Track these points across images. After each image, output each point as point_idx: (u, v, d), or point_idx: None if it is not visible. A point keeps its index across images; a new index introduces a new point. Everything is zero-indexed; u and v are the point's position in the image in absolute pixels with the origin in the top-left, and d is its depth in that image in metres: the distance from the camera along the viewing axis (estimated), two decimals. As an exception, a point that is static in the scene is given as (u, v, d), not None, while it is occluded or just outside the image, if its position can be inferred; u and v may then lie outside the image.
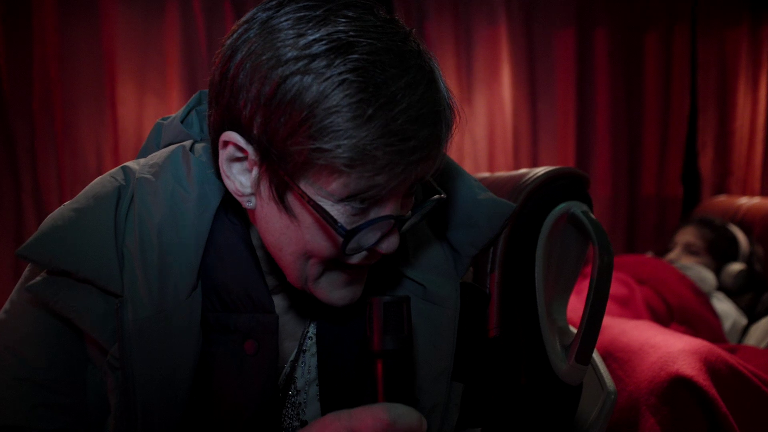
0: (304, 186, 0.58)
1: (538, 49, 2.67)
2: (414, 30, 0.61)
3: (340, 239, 0.59)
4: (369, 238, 0.61)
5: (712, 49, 2.89)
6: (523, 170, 1.01)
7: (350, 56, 0.54)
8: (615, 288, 1.90)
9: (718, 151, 2.96)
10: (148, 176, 0.67)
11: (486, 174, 1.14)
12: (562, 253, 0.96)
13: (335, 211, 0.58)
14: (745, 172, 2.98)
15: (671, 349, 1.37)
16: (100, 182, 0.68)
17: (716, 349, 1.40)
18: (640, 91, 2.84)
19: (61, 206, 0.67)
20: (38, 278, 0.65)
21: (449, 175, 0.79)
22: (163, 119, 0.78)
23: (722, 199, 2.64)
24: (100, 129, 2.25)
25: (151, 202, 0.65)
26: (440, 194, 0.65)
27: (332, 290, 0.66)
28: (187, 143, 0.71)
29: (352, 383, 0.71)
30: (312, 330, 0.75)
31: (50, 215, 0.66)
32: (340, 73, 0.53)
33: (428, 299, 0.73)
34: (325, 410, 0.72)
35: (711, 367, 1.35)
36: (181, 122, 0.75)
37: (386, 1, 2.49)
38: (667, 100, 2.86)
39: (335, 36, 0.55)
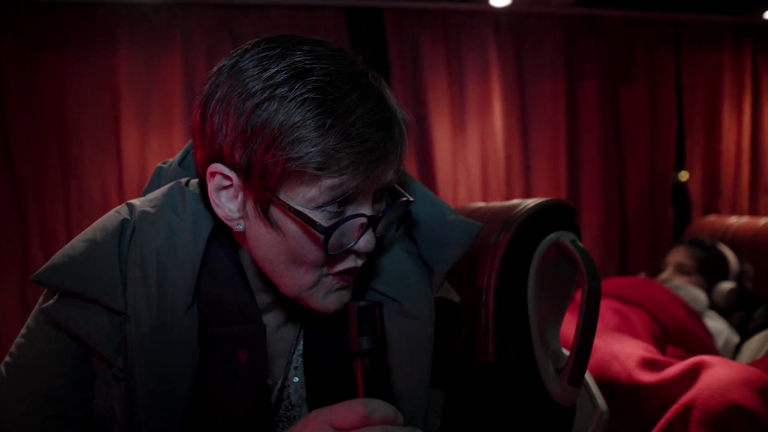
0: (284, 198, 0.65)
1: (528, 78, 2.76)
2: (361, 57, 0.71)
3: (322, 239, 0.66)
4: (347, 238, 0.69)
5: (697, 73, 2.98)
6: (515, 201, 1.07)
7: (308, 79, 0.63)
8: (611, 319, 1.93)
9: (706, 172, 3.04)
10: (148, 209, 0.75)
11: (482, 204, 1.20)
12: (553, 280, 1.02)
13: (314, 216, 0.66)
14: (733, 191, 3.06)
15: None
16: (107, 217, 0.77)
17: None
18: (628, 115, 2.92)
19: (74, 239, 0.75)
20: (51, 301, 0.72)
21: (420, 198, 0.85)
22: (163, 163, 0.87)
23: (712, 219, 2.69)
24: (104, 164, 2.31)
25: (150, 231, 0.73)
26: (407, 198, 0.73)
27: (324, 296, 0.72)
28: (184, 180, 0.79)
29: (340, 394, 0.75)
30: (301, 347, 0.81)
31: (63, 247, 0.74)
32: (301, 94, 0.62)
33: (404, 314, 0.78)
34: None
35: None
36: (180, 164, 0.84)
37: (380, 36, 2.59)
38: (654, 122, 2.95)
39: (293, 65, 0.64)
